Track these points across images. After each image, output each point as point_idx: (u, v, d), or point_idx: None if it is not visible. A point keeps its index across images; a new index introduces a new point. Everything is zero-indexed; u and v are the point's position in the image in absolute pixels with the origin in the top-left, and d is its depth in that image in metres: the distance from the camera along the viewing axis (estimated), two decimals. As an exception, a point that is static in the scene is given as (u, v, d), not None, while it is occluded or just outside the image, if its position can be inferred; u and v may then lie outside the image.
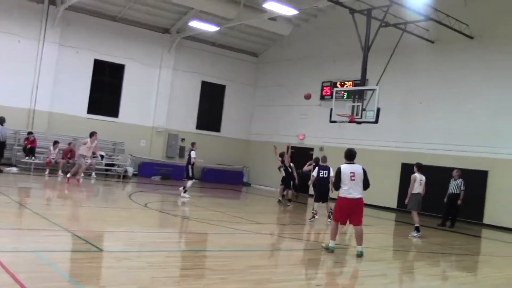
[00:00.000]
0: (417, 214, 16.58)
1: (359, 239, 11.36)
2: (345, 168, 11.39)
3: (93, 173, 25.29)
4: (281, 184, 22.02)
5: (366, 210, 19.96)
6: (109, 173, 27.23)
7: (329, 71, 29.41)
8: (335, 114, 21.62)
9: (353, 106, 21.12)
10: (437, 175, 21.80)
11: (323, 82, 29.78)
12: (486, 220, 22.36)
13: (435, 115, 24.46)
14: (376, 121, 20.16)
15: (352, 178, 11.25)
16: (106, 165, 27.10)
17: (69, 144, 25.31)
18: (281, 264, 10.45)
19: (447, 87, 24.24)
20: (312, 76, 30.43)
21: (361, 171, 11.43)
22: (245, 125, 34.41)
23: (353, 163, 11.57)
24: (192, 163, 20.18)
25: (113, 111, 29.35)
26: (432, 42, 24.71)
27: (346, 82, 27.44)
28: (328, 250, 11.36)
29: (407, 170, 23.01)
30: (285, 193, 21.78)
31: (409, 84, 25.72)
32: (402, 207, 21.84)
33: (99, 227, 12.31)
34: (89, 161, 22.31)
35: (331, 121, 22.08)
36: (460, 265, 12.93)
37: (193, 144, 20.70)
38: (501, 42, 22.76)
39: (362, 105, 21.00)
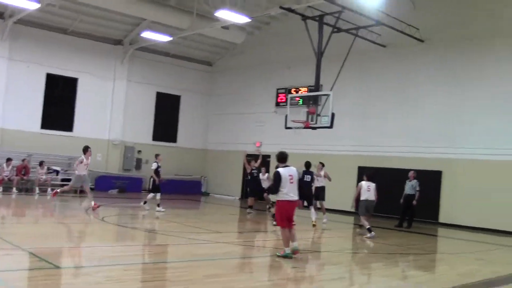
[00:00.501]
0: (366, 218, 17.15)
1: (286, 241, 11.51)
2: (284, 171, 11.46)
3: (49, 189, 24.88)
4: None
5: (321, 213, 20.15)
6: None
7: (284, 78, 29.57)
8: (290, 121, 21.72)
9: (307, 112, 21.24)
10: (393, 177, 22.14)
11: (278, 89, 29.94)
12: (441, 219, 22.76)
13: (389, 118, 24.82)
14: (331, 126, 20.32)
15: (291, 181, 11.40)
16: (62, 180, 26.70)
17: (23, 160, 24.95)
18: (240, 272, 10.44)
19: (400, 90, 24.63)
20: (267, 83, 30.59)
21: (296, 173, 11.65)
22: (201, 134, 34.35)
23: (288, 166, 11.69)
24: (155, 175, 19.87)
25: (68, 125, 28.97)
26: (384, 46, 25.07)
27: (300, 88, 27.62)
28: (287, 257, 11.34)
29: (363, 173, 23.24)
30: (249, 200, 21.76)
31: (363, 88, 26.05)
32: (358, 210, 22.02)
33: (56, 243, 12.09)
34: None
35: (286, 128, 22.17)
36: (417, 264, 13.11)
37: (156, 155, 20.43)
38: (449, 45, 23.29)
39: (317, 111, 21.14)
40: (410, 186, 20.36)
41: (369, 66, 25.89)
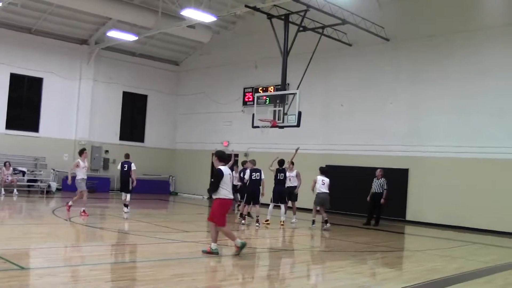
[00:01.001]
0: (323, 209, 18.51)
1: (215, 236, 11.64)
2: (225, 170, 11.61)
3: (15, 190, 24.60)
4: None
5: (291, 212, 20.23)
6: (31, 189, 26.58)
7: (251, 77, 29.62)
8: (257, 120, 21.74)
9: (274, 111, 21.29)
10: (361, 175, 22.33)
11: (245, 88, 29.97)
12: (408, 217, 23.00)
13: (356, 116, 25.01)
14: (298, 125, 20.38)
15: (231, 180, 11.73)
16: (28, 181, 26.45)
17: (-13, 161, 24.65)
18: (207, 271, 10.43)
19: (367, 88, 24.83)
20: (234, 82, 30.61)
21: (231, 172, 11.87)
22: (169, 134, 34.23)
23: (225, 165, 11.87)
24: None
25: (33, 125, 28.67)
26: (350, 45, 25.23)
27: (267, 87, 27.68)
28: (213, 253, 11.46)
29: (330, 172, 23.39)
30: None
31: (330, 86, 26.21)
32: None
33: (21, 244, 11.97)
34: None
35: (253, 127, 22.19)
36: (384, 261, 13.23)
37: (128, 155, 20.11)
38: (414, 43, 23.56)
39: (284, 110, 21.19)
40: (378, 184, 20.53)
41: (335, 64, 26.06)
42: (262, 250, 13.57)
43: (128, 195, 19.38)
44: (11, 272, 8.72)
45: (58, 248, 11.83)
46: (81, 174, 18.17)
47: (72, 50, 29.81)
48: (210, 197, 21.38)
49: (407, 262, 13.52)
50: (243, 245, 11.52)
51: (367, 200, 20.70)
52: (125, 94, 32.38)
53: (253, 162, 18.76)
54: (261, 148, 27.47)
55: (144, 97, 33.38)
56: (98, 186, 28.87)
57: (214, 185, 11.49)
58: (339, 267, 11.55)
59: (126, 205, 19.11)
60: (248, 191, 18.27)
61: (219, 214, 11.63)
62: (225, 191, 11.43)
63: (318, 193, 18.46)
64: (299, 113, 20.21)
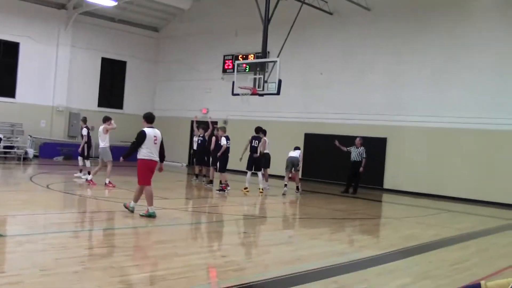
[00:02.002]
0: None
1: (150, 199, 11.82)
2: (149, 131, 11.82)
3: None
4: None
5: (272, 181, 20.44)
6: (8, 156, 26.38)
7: (231, 45, 29.48)
8: (237, 87, 21.68)
9: (254, 79, 21.23)
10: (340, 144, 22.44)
11: (225, 56, 29.84)
12: (386, 185, 23.28)
13: (336, 85, 25.06)
14: (278, 93, 20.35)
15: (155, 141, 11.85)
16: (5, 147, 26.22)
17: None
18: (187, 238, 10.51)
19: (346, 58, 24.88)
20: (214, 50, 30.43)
21: (161, 136, 12.09)
22: (148, 101, 34.00)
23: (153, 127, 12.06)
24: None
25: (10, 91, 28.30)
26: (331, 13, 25.17)
27: (247, 55, 27.58)
28: (129, 210, 11.93)
29: (310, 140, 23.55)
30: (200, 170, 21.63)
31: (310, 56, 26.18)
32: (305, 176, 22.26)
33: (-1, 211, 11.96)
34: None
35: (233, 94, 22.13)
36: (362, 229, 13.43)
37: (84, 119, 20.47)
38: (395, 14, 23.62)
39: (264, 78, 21.12)
40: (357, 153, 20.69)
41: (316, 34, 26.01)
42: (240, 217, 13.68)
43: (86, 161, 19.52)
44: (-10, 238, 8.73)
45: (37, 215, 11.80)
46: (107, 142, 17.86)
47: (50, 15, 29.34)
48: (188, 165, 21.42)
49: (384, 230, 13.73)
50: (151, 215, 11.69)
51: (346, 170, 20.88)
52: (104, 60, 32.06)
53: (224, 129, 18.94)
54: (240, 116, 27.48)
55: (123, 64, 33.09)
56: (76, 154, 28.69)
57: (133, 145, 11.87)
58: (318, 234, 11.70)
59: (81, 170, 19.49)
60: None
61: (141, 174, 11.90)
62: (146, 151, 11.72)
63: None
64: (279, 81, 20.18)
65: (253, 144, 18.97)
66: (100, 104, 31.71)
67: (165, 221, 11.73)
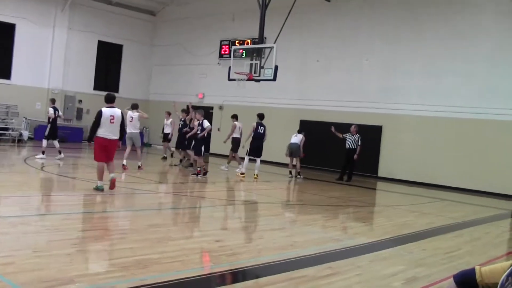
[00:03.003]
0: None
1: (100, 175, 12.38)
2: (106, 111, 12.19)
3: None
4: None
5: (267, 167, 20.46)
6: (2, 137, 26.31)
7: (228, 30, 29.37)
8: (233, 72, 21.65)
9: (251, 64, 21.21)
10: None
11: (221, 41, 29.72)
12: (380, 173, 23.29)
13: (332, 72, 25.01)
14: (274, 79, 20.34)
15: (112, 121, 12.13)
16: (0, 129, 26.15)
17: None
18: (181, 222, 10.52)
19: (343, 45, 24.80)
20: (211, 34, 30.30)
21: (120, 115, 12.38)
22: (143, 85, 33.95)
23: (114, 107, 12.40)
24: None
25: (5, 72, 28.19)
26: (328, 1, 25.06)
27: (244, 41, 27.50)
28: (98, 190, 12.26)
29: (305, 127, 23.50)
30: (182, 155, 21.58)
31: (307, 42, 26.11)
32: (301, 163, 22.28)
33: (-7, 192, 11.92)
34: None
35: (229, 79, 22.10)
36: (356, 216, 13.44)
37: (53, 100, 20.54)
38: (391, 2, 23.49)
39: (260, 63, 21.10)
40: (352, 140, 20.70)
41: (313, 20, 25.90)
42: (235, 203, 13.68)
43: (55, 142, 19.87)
44: (-17, 219, 8.71)
45: (31, 197, 11.79)
46: (138, 129, 19.13)
47: (46, -3, 29.20)
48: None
49: (378, 217, 13.75)
50: (98, 188, 12.29)
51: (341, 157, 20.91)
52: (100, 44, 31.92)
53: (201, 112, 18.47)
54: (236, 101, 27.41)
55: (120, 47, 32.96)
56: (70, 136, 28.69)
57: (92, 125, 12.29)
58: (312, 221, 11.70)
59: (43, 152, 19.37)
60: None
61: (96, 151, 12.39)
62: (101, 130, 12.09)
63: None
64: (276, 67, 20.17)
65: (258, 131, 19.15)
66: (96, 87, 31.59)
67: (158, 205, 11.71)
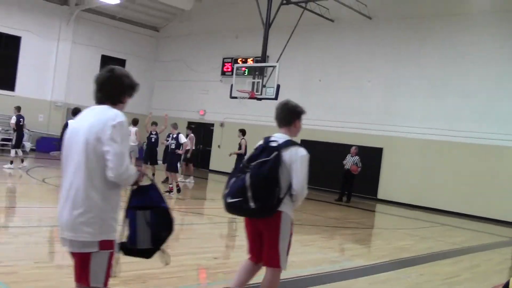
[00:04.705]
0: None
1: None
2: (71, 123, 12.08)
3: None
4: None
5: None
6: (5, 148, 26.33)
7: (231, 47, 29.49)
8: (235, 90, 21.75)
9: (253, 83, 21.33)
10: (335, 152, 22.52)
11: (224, 58, 29.85)
12: (380, 196, 23.28)
13: (334, 92, 25.08)
14: (276, 98, 20.40)
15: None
16: (2, 140, 26.20)
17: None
18: (178, 238, 10.53)
19: (346, 65, 24.89)
20: (214, 52, 30.42)
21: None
22: (145, 100, 33.99)
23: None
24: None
25: (9, 84, 28.25)
26: (332, 21, 25.21)
27: (247, 59, 27.64)
28: None
29: (305, 147, 23.44)
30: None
31: (309, 61, 26.22)
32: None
33: (-6, 203, 11.95)
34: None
35: (231, 97, 22.19)
36: (355, 238, 13.45)
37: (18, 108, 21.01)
38: (395, 24, 23.60)
39: (262, 82, 21.23)
40: (351, 161, 20.75)
41: (316, 39, 26.03)
42: (235, 220, 13.68)
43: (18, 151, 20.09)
44: (-15, 230, 8.75)
45: (32, 208, 11.82)
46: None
47: (52, 10, 29.31)
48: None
49: (377, 240, 13.78)
50: None
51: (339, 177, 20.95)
52: (104, 58, 32.02)
53: (175, 126, 19.03)
54: (237, 119, 27.47)
55: (123, 62, 33.04)
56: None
57: (60, 137, 12.36)
58: (310, 241, 11.72)
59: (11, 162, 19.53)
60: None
61: None
62: None
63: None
64: (278, 86, 20.27)
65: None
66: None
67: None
